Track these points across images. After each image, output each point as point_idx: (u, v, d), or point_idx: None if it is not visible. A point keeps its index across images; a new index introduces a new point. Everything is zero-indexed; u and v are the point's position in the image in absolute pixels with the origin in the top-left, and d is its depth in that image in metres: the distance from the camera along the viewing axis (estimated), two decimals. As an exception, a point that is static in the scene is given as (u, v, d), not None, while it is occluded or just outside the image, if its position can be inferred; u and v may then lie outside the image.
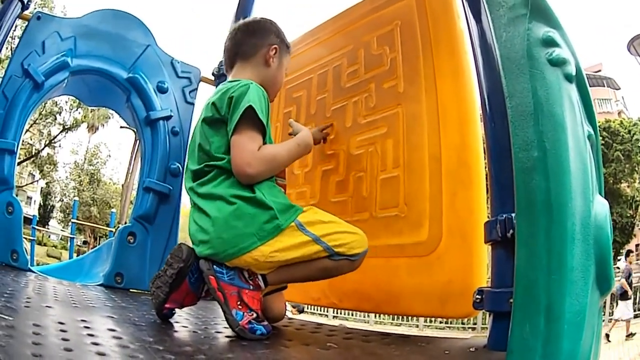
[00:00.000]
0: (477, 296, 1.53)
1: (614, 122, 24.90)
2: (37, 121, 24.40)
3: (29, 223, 11.80)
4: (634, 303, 12.62)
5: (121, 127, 26.17)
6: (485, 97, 1.59)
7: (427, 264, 1.90)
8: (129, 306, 2.26)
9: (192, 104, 3.27)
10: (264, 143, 1.76)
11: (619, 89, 42.77)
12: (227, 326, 1.61)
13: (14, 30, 3.22)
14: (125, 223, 3.32)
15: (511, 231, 1.35)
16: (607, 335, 10.01)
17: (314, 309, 12.57)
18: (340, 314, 14.63)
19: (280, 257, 1.66)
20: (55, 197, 34.69)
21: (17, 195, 2.90)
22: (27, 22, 2.95)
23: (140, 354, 1.21)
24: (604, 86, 41.30)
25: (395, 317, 13.28)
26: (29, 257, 2.91)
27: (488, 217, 1.66)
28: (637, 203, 23.44)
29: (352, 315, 14.65)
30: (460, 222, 1.84)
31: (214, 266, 1.62)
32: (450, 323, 14.13)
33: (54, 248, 27.12)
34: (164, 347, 1.34)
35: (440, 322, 14.29)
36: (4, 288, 2.12)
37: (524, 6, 1.29)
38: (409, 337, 1.91)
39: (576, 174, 1.16)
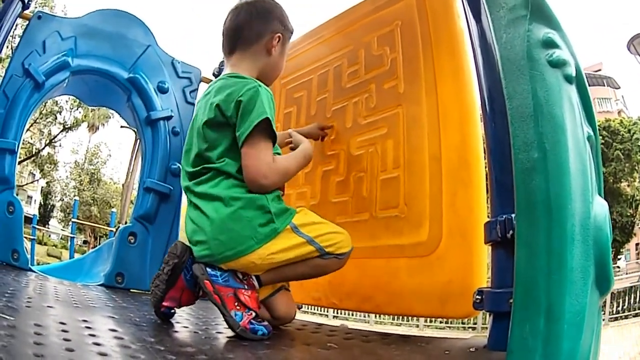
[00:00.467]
0: (477, 296, 1.53)
1: (613, 121, 25.05)
2: (38, 120, 24.43)
3: (29, 222, 11.83)
4: (633, 301, 13.02)
5: (122, 126, 26.20)
6: (486, 97, 1.59)
7: (427, 265, 1.91)
8: (130, 306, 2.27)
9: (193, 104, 3.25)
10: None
11: (619, 88, 42.90)
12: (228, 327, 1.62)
13: (15, 29, 3.21)
14: (126, 223, 3.33)
15: (511, 232, 1.35)
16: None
17: (314, 309, 12.59)
18: (341, 314, 14.66)
19: (277, 259, 1.68)
20: (55, 197, 34.74)
21: (17, 195, 2.91)
22: (27, 22, 2.95)
23: (142, 354, 1.22)
24: (604, 85, 41.36)
25: (396, 317, 13.31)
26: (29, 257, 2.91)
27: (488, 217, 1.66)
28: (637, 202, 23.49)
29: (353, 315, 14.68)
30: (461, 223, 1.84)
31: (208, 269, 1.62)
32: (451, 323, 14.18)
33: (54, 247, 27.17)
34: (165, 347, 1.34)
35: (440, 322, 14.35)
36: (5, 288, 2.12)
37: (524, 7, 1.29)
38: (409, 337, 1.89)
39: (576, 175, 1.16)
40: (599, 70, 42.90)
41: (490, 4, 1.38)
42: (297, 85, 2.73)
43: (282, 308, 1.88)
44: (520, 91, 1.23)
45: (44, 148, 28.45)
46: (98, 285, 2.90)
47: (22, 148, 2.96)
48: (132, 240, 2.98)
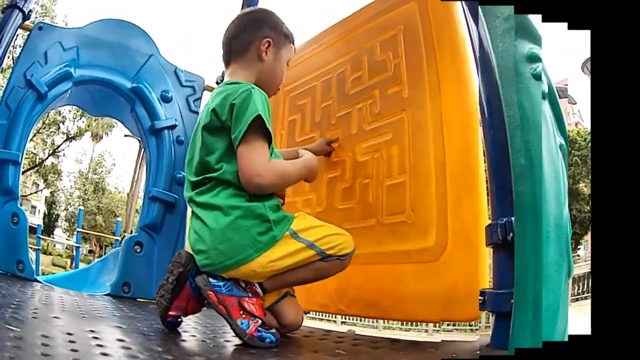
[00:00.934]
0: (480, 297, 1.58)
1: (572, 131, 29.27)
2: (41, 130, 24.47)
3: (33, 232, 11.88)
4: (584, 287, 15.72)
5: (125, 135, 26.30)
6: (484, 103, 1.62)
7: (433, 270, 1.92)
8: (137, 316, 2.28)
9: (197, 112, 3.26)
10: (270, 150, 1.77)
11: (576, 103, 47.02)
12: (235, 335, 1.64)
13: (15, 39, 3.24)
14: (131, 232, 3.34)
15: (511, 234, 1.39)
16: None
17: (322, 316, 12.57)
18: (349, 319, 14.62)
19: (278, 266, 1.69)
20: (60, 206, 34.79)
21: (21, 205, 2.93)
22: (28, 32, 2.97)
23: (150, 364, 1.21)
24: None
25: (404, 322, 13.31)
26: (34, 267, 2.93)
27: (489, 220, 1.68)
28: (593, 200, 27.36)
29: (361, 321, 14.66)
30: (465, 227, 1.86)
31: (210, 279, 1.65)
32: (458, 326, 14.24)
33: (59, 257, 27.22)
34: (172, 356, 1.35)
35: (448, 325, 14.39)
36: (11, 299, 2.13)
37: (513, 19, 1.35)
38: (418, 342, 1.91)
39: (552, 180, 1.28)
40: (567, 85, 45.99)
41: (487, 14, 1.42)
42: (301, 93, 2.74)
43: (289, 314, 1.88)
44: (512, 101, 1.29)
45: (47, 158, 28.54)
46: (104, 295, 2.92)
47: (25, 158, 2.98)
48: (138, 250, 3.00)
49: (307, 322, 2.16)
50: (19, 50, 3.30)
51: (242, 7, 3.31)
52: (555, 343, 1.17)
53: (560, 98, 1.54)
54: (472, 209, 1.86)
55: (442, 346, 1.80)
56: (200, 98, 3.36)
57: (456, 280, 1.85)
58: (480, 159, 1.87)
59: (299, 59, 2.63)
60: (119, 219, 16.73)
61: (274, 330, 1.68)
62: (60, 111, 24.75)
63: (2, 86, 2.96)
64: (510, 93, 1.31)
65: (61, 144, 28.19)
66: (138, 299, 2.91)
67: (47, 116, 22.45)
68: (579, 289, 16.21)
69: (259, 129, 1.69)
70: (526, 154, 1.27)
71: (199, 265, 1.70)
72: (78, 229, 12.68)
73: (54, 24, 3.36)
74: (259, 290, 1.73)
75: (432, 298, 1.92)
